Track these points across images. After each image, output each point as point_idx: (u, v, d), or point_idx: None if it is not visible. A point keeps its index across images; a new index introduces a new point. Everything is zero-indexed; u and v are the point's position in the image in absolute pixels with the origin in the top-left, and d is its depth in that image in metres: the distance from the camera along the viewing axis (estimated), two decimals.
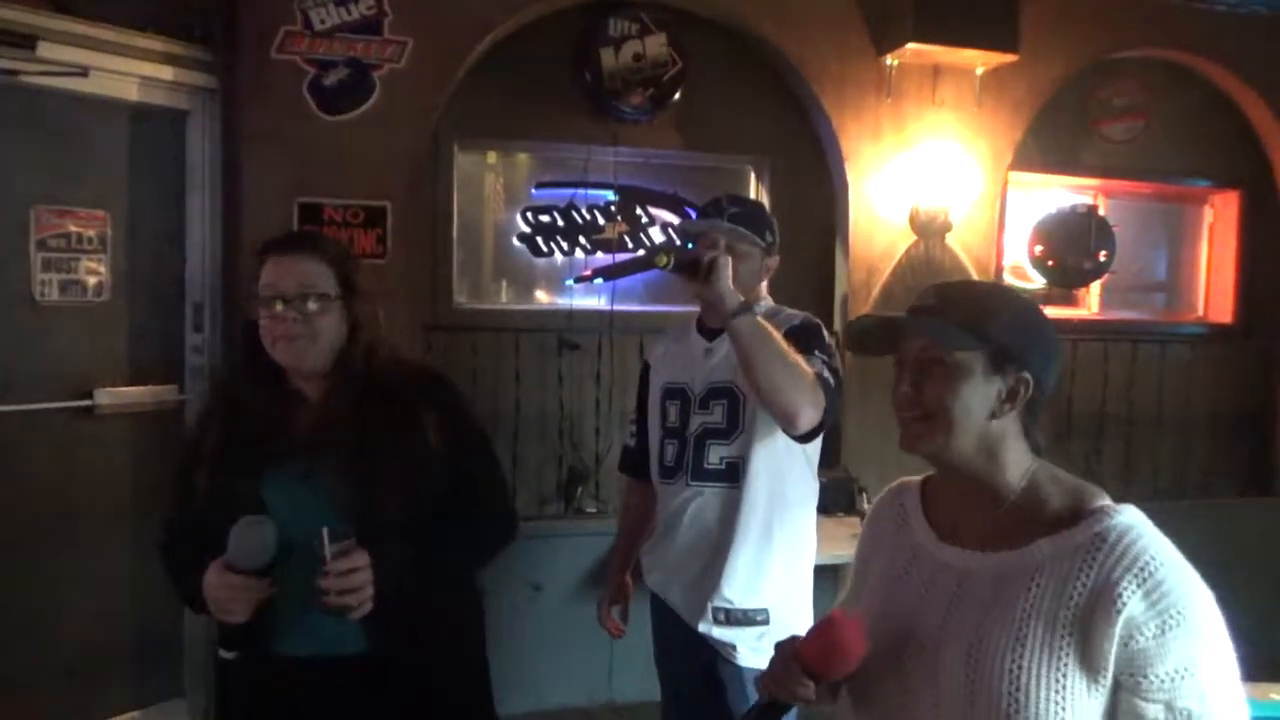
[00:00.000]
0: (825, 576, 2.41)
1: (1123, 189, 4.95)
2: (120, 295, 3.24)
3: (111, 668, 3.25)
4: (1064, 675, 1.07)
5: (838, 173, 4.21)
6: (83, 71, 3.03)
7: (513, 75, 3.95)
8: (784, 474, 2.09)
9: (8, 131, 2.99)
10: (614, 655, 3.75)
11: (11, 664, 2.96)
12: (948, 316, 1.19)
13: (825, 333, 2.08)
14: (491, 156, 4.31)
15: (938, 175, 4.13)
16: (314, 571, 1.51)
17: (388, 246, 3.52)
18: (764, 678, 1.27)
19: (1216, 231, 5.13)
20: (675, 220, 4.21)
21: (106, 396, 3.18)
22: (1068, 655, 1.07)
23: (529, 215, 4.18)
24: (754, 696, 2.03)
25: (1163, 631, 1.05)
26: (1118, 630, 1.05)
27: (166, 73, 3.27)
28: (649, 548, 2.29)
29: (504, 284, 4.34)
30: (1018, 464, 1.19)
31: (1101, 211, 4.78)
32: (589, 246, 4.21)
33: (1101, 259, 4.65)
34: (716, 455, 2.10)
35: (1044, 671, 1.07)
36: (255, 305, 1.67)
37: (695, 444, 2.12)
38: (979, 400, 1.17)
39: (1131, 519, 1.11)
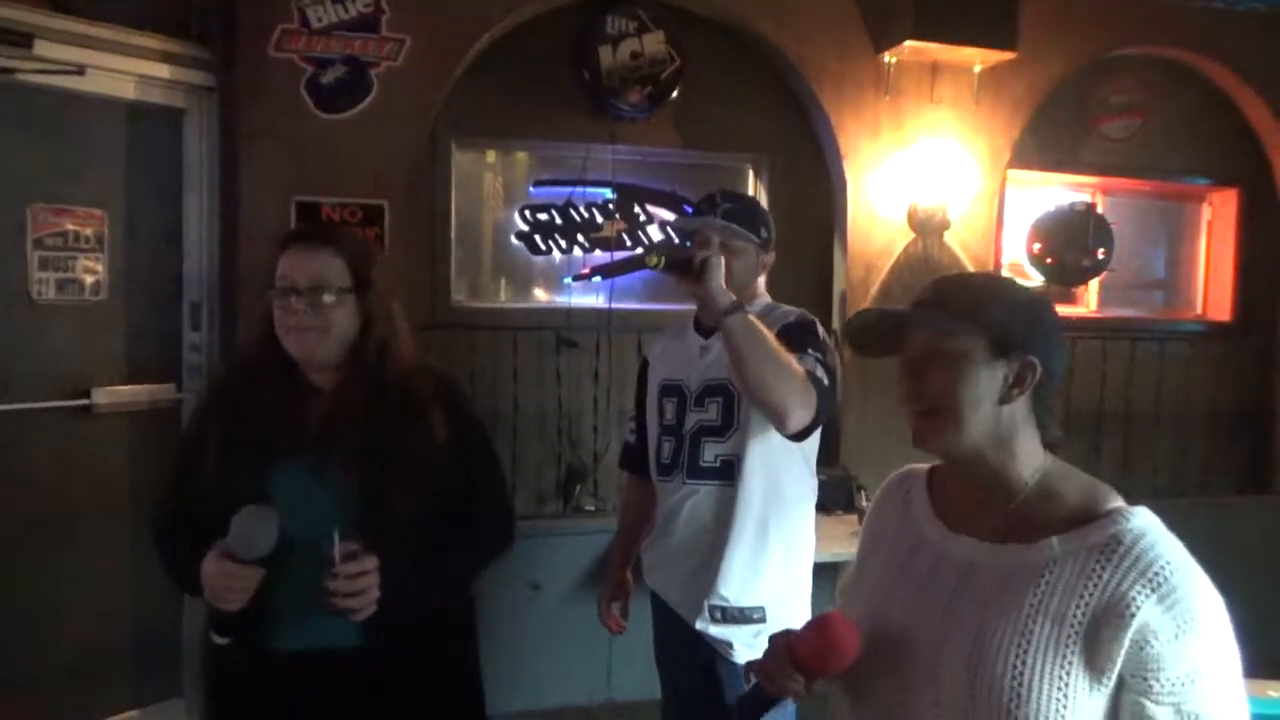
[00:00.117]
0: (824, 574, 2.41)
1: (1121, 187, 4.95)
2: (117, 294, 3.24)
3: (110, 667, 3.24)
4: (1068, 674, 1.07)
5: (836, 171, 4.21)
6: (80, 70, 3.02)
7: (511, 73, 3.95)
8: (780, 472, 2.08)
9: (4, 130, 2.98)
10: (613, 654, 3.75)
11: (10, 663, 2.96)
12: (946, 307, 1.19)
13: (820, 330, 2.07)
14: (489, 155, 4.30)
15: (936, 173, 4.13)
16: (318, 568, 1.51)
17: (385, 245, 3.52)
18: (755, 668, 1.27)
19: (1215, 229, 5.13)
20: (674, 218, 4.20)
21: (104, 395, 3.17)
22: (1073, 655, 1.07)
23: (527, 213, 4.18)
24: None
25: (1177, 637, 1.05)
26: (1129, 635, 1.05)
27: (163, 71, 3.26)
28: (648, 545, 2.29)
29: (502, 282, 4.34)
30: (1030, 457, 1.18)
31: (1100, 209, 4.78)
32: (587, 245, 4.21)
33: (1100, 257, 4.65)
34: (712, 453, 2.10)
35: (1048, 669, 1.07)
36: (272, 296, 1.68)
37: (691, 442, 2.12)
38: (985, 386, 1.16)
39: (1146, 523, 1.10)
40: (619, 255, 4.24)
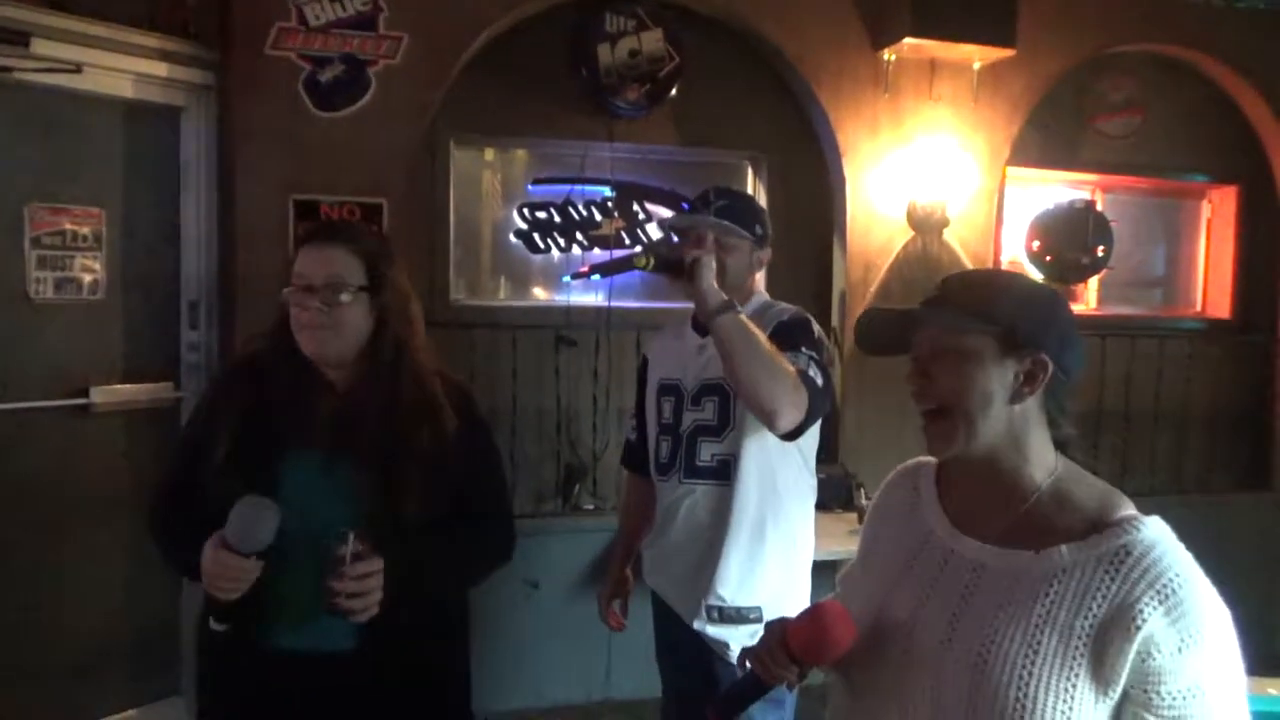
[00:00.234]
0: (824, 573, 2.40)
1: (1120, 184, 4.94)
2: (116, 293, 3.23)
3: (108, 665, 3.24)
4: (1073, 685, 1.06)
5: (835, 168, 4.20)
6: (77, 68, 3.02)
7: (509, 71, 3.94)
8: (776, 471, 2.08)
9: (2, 129, 2.98)
10: (612, 652, 3.75)
11: (9, 662, 2.96)
12: (955, 304, 1.17)
13: (815, 328, 2.06)
14: (488, 153, 4.30)
15: (935, 170, 4.13)
16: (321, 565, 1.50)
17: None
18: (750, 655, 1.27)
19: (1214, 227, 5.13)
20: (667, 216, 4.20)
21: (102, 395, 3.17)
22: (1079, 666, 1.06)
23: (526, 211, 4.17)
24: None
25: (1180, 650, 1.04)
26: (1135, 647, 1.04)
27: (161, 69, 3.25)
28: (648, 544, 2.29)
29: (501, 281, 4.33)
30: (1042, 458, 1.17)
31: (1099, 207, 4.78)
32: (586, 243, 4.20)
33: (1099, 254, 4.65)
34: (708, 452, 2.09)
35: (1054, 680, 1.06)
36: (286, 290, 1.68)
37: (688, 441, 2.12)
38: (995, 385, 1.14)
39: (1156, 534, 1.09)
40: (618, 253, 4.23)
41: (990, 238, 4.35)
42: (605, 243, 4.21)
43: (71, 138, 3.13)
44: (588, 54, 3.97)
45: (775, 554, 2.09)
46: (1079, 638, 1.06)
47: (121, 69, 3.16)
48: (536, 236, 4.17)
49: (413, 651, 1.66)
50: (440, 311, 3.99)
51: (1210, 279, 5.14)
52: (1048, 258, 4.62)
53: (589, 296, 4.23)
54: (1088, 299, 4.96)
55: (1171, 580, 1.05)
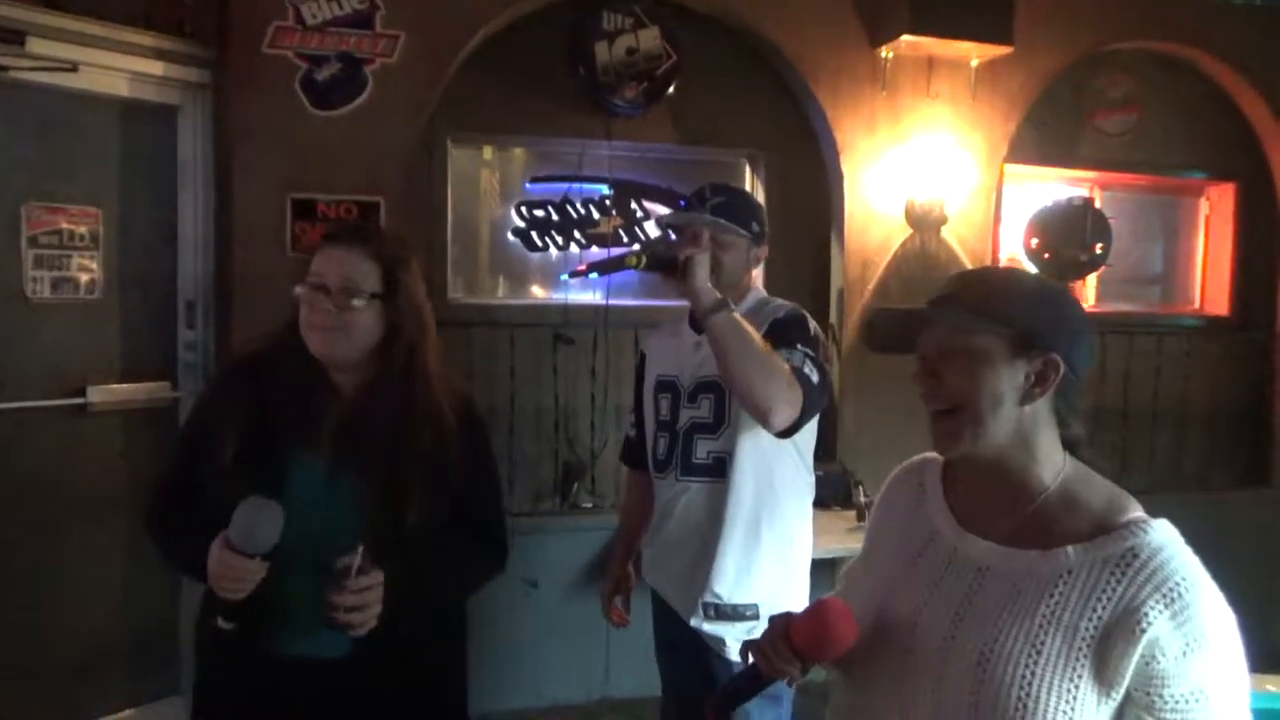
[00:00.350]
0: (822, 570, 2.40)
1: (1118, 181, 4.94)
2: (113, 292, 3.23)
3: (107, 665, 3.24)
4: (1076, 686, 1.05)
5: (833, 166, 4.20)
6: (73, 67, 3.01)
7: (506, 69, 3.94)
8: (772, 469, 2.08)
9: None
10: (611, 651, 3.74)
11: (8, 662, 2.95)
12: (964, 303, 1.16)
13: (811, 325, 2.06)
14: (486, 151, 4.29)
15: (933, 168, 4.13)
16: (321, 573, 1.50)
17: None
18: (752, 647, 1.27)
19: (1212, 224, 5.13)
20: (663, 213, 4.19)
21: (99, 394, 3.16)
22: (1083, 668, 1.06)
23: (523, 210, 4.16)
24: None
25: (1184, 654, 1.04)
26: (1139, 650, 1.04)
27: (157, 68, 3.25)
28: (647, 541, 2.29)
29: (499, 279, 4.33)
30: (1051, 458, 1.16)
31: (1097, 204, 4.78)
32: (584, 241, 4.20)
33: (1097, 252, 4.64)
34: (704, 450, 2.09)
35: (1057, 681, 1.05)
36: (299, 288, 1.66)
37: (684, 438, 2.12)
38: (1005, 385, 1.13)
39: (1164, 537, 1.08)
40: (616, 251, 4.23)
41: (988, 235, 4.35)
42: (603, 241, 4.21)
43: (68, 137, 3.13)
44: (585, 52, 3.97)
45: (771, 551, 2.09)
46: (1083, 639, 1.06)
47: (118, 68, 3.15)
48: (534, 235, 4.17)
49: (410, 657, 1.65)
50: (438, 310, 3.89)
51: (1208, 276, 5.14)
52: (1046, 255, 4.62)
53: (587, 295, 4.23)
54: (1086, 296, 4.96)
55: (1178, 584, 1.04)
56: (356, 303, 1.62)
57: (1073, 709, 1.05)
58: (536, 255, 4.22)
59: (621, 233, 4.22)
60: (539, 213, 4.17)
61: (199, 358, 3.41)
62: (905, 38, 3.92)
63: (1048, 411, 1.16)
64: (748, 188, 4.39)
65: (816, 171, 4.29)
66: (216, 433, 1.64)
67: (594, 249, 4.21)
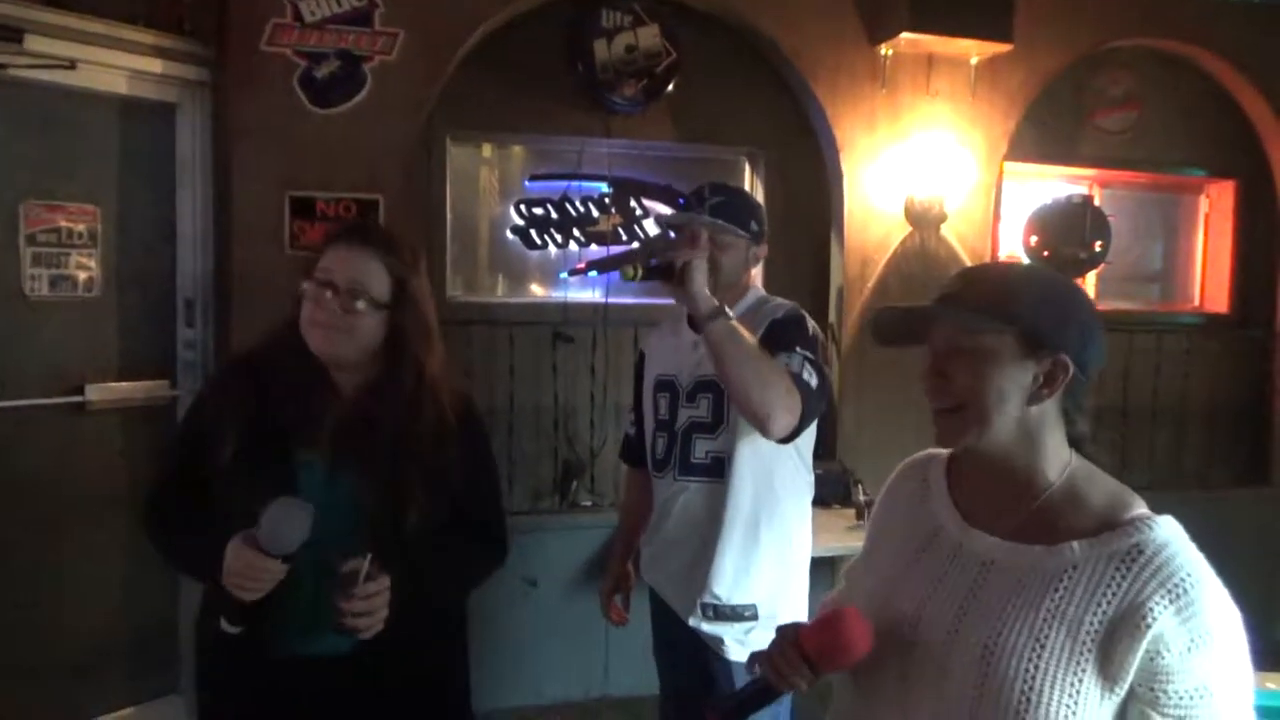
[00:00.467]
0: (821, 569, 2.40)
1: (1118, 179, 4.94)
2: (111, 290, 3.22)
3: (106, 664, 3.23)
4: (1080, 681, 1.05)
5: (832, 164, 4.20)
6: (71, 65, 3.00)
7: (505, 67, 3.93)
8: (771, 469, 2.07)
9: None
10: (610, 649, 3.74)
11: (7, 661, 2.95)
12: (971, 300, 1.15)
13: (810, 325, 2.05)
14: (485, 149, 4.28)
15: (932, 166, 4.12)
16: (323, 574, 1.49)
17: None
18: (760, 658, 1.24)
19: (1212, 222, 5.12)
20: (661, 213, 4.19)
21: (98, 392, 3.16)
22: (1086, 663, 1.05)
23: (522, 208, 4.16)
24: None
25: (1189, 650, 1.03)
26: (1144, 645, 1.04)
27: (156, 66, 3.24)
28: (645, 541, 2.29)
29: (499, 277, 4.32)
30: (1056, 455, 1.16)
31: (1097, 202, 4.77)
32: (583, 239, 4.19)
33: (1097, 249, 4.64)
34: (702, 449, 2.09)
35: (1060, 676, 1.05)
36: (306, 281, 1.64)
37: (683, 438, 2.12)
38: (1012, 385, 1.12)
39: (1169, 533, 1.08)
40: (615, 249, 4.22)
41: (988, 233, 4.35)
42: (603, 239, 4.20)
43: (66, 135, 3.12)
44: (584, 50, 3.96)
45: (770, 551, 2.09)
46: (1087, 634, 1.06)
47: (116, 65, 3.15)
48: (533, 233, 4.16)
49: (412, 656, 1.65)
50: (437, 309, 3.96)
51: (1208, 274, 5.13)
52: (1045, 253, 4.62)
53: (586, 293, 4.22)
54: None
55: (1183, 580, 1.04)
56: (362, 306, 1.61)
57: (1076, 703, 1.05)
58: (536, 253, 4.21)
59: (621, 231, 4.22)
60: (538, 211, 4.17)
61: (198, 356, 3.41)
62: (905, 35, 3.91)
63: (1055, 410, 1.15)
64: (747, 185, 4.39)
65: (816, 169, 4.29)
66: (216, 431, 1.63)
67: (593, 247, 4.21)
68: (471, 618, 1.89)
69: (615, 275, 4.18)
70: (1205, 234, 5.14)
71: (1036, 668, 1.06)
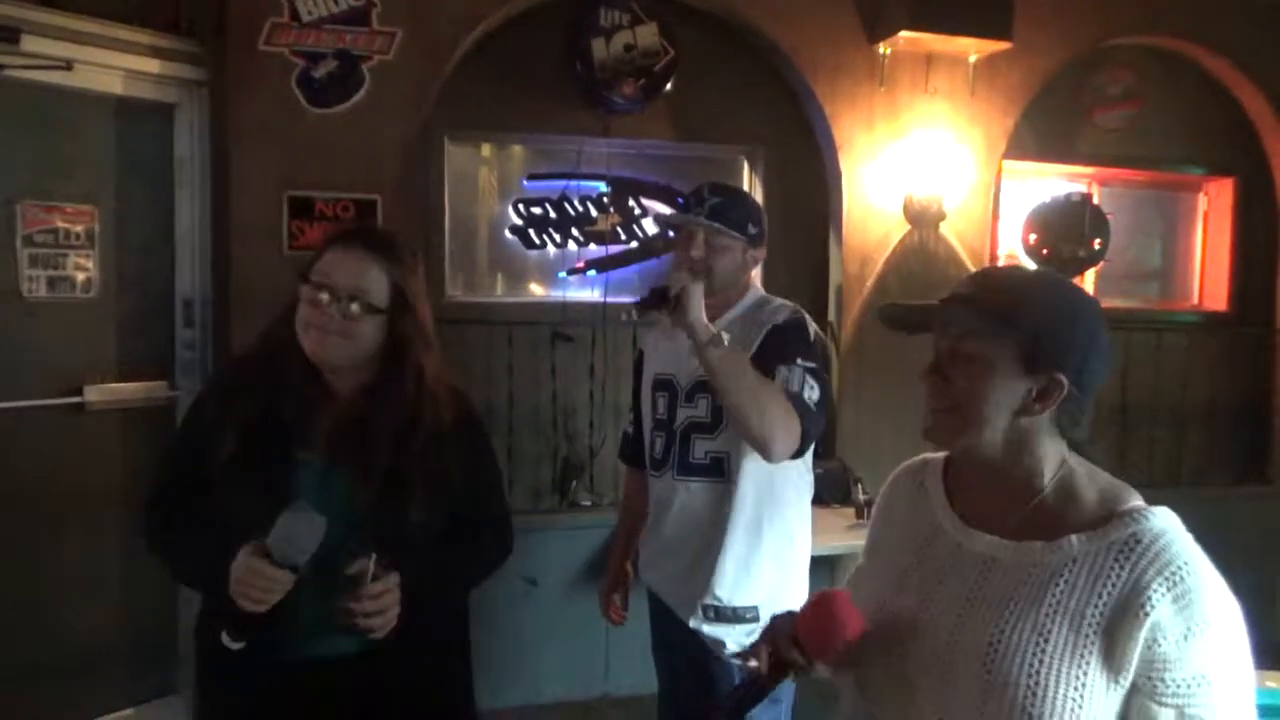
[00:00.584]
0: (821, 568, 2.40)
1: (1117, 177, 4.94)
2: (109, 291, 3.22)
3: (105, 664, 3.23)
4: (1084, 673, 1.06)
5: (831, 162, 4.19)
6: (68, 65, 3.00)
7: (503, 66, 3.93)
8: (772, 469, 2.06)
9: None
10: (610, 648, 3.74)
11: (6, 661, 2.95)
12: (979, 305, 1.15)
13: (810, 330, 2.04)
14: (483, 148, 4.28)
15: (931, 164, 4.12)
16: (326, 576, 1.48)
17: None
18: (751, 650, 1.25)
19: (1211, 219, 5.12)
20: (668, 211, 4.19)
21: (96, 393, 3.16)
22: (1090, 654, 1.06)
23: (521, 207, 4.16)
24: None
25: (1186, 637, 1.04)
26: (1143, 633, 1.04)
27: (153, 66, 3.24)
28: (643, 541, 2.28)
29: (497, 277, 4.32)
30: (1051, 459, 1.16)
31: (1096, 199, 4.77)
32: (581, 238, 4.19)
33: (1096, 247, 4.64)
34: (702, 450, 2.08)
35: (1065, 668, 1.06)
36: (302, 283, 1.61)
37: (681, 438, 2.11)
38: (1006, 397, 1.13)
39: (1166, 523, 1.09)
40: (614, 249, 4.22)
41: (987, 231, 4.34)
42: (601, 238, 4.20)
43: (63, 135, 3.12)
44: (582, 49, 3.96)
45: (772, 552, 2.08)
46: (1090, 625, 1.06)
47: (113, 65, 3.14)
48: (532, 232, 4.16)
49: (415, 655, 1.64)
50: (436, 307, 3.92)
51: (1207, 272, 5.14)
52: (1044, 251, 4.62)
53: (585, 292, 4.22)
54: None
55: (1181, 568, 1.05)
56: (354, 309, 1.59)
57: (1081, 696, 1.05)
58: (534, 253, 4.21)
59: (620, 230, 4.22)
60: (537, 210, 4.17)
61: (196, 356, 3.41)
62: (904, 33, 3.91)
63: (1049, 420, 1.15)
64: (745, 184, 4.39)
65: (815, 168, 4.29)
66: (214, 433, 1.62)
67: (592, 246, 4.21)
68: (472, 617, 1.88)
69: (614, 274, 4.21)
70: (1204, 232, 5.14)
71: (1041, 662, 1.06)
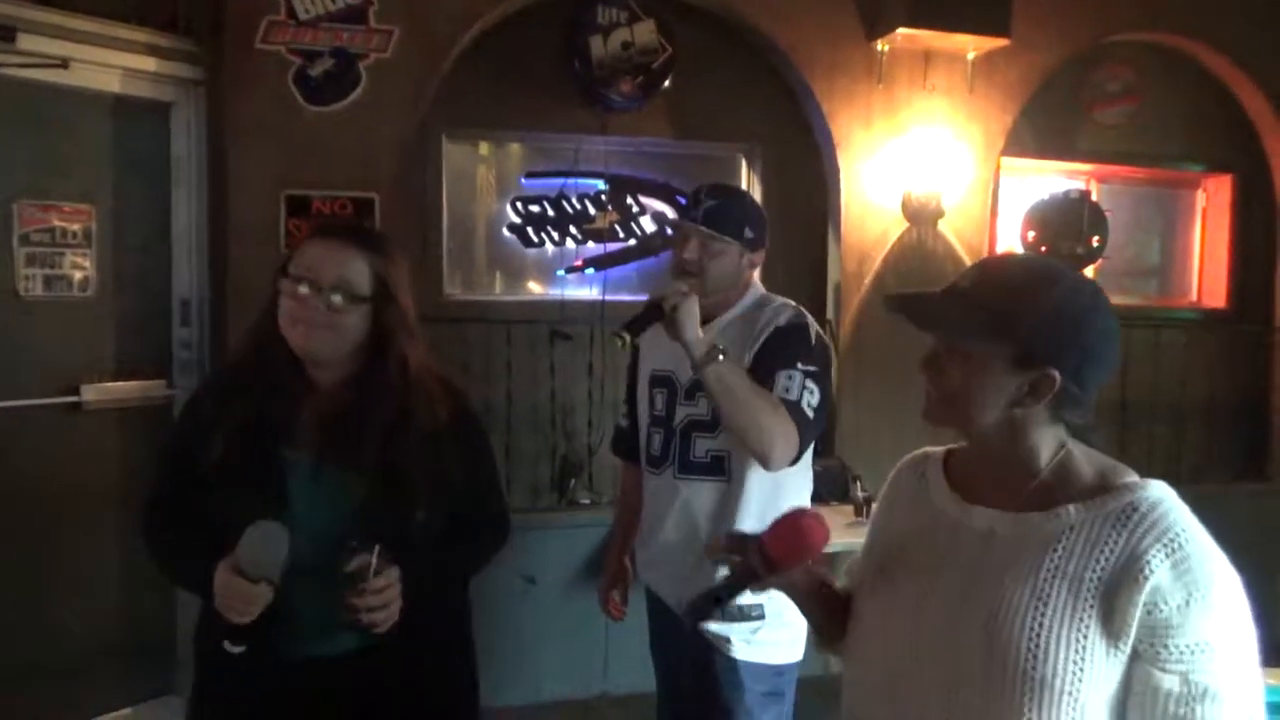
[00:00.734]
0: (819, 566, 2.39)
1: (1116, 174, 4.94)
2: (106, 290, 3.21)
3: (103, 664, 3.23)
4: (1084, 637, 1.07)
5: (829, 159, 4.19)
6: (64, 64, 2.99)
7: (501, 64, 3.92)
8: None
9: None
10: (609, 647, 3.73)
11: (3, 661, 2.95)
12: (978, 299, 1.16)
13: (811, 332, 2.03)
14: (481, 147, 4.28)
15: (930, 161, 4.11)
16: (321, 572, 1.48)
17: None
18: (722, 561, 1.31)
19: (1210, 216, 5.12)
20: (666, 209, 4.19)
21: (94, 392, 3.15)
22: (1089, 618, 1.07)
23: (519, 205, 4.15)
24: (751, 689, 2.02)
25: (1186, 604, 1.05)
26: (1142, 598, 1.05)
27: (150, 64, 3.23)
28: (640, 542, 2.26)
29: (496, 275, 4.31)
30: (1048, 444, 1.18)
31: (1094, 196, 4.77)
32: (580, 236, 4.19)
33: (1094, 244, 4.64)
34: (702, 448, 2.07)
35: (1064, 632, 1.07)
36: (281, 277, 1.61)
37: (681, 435, 2.10)
38: (999, 392, 1.15)
39: (1162, 493, 1.11)
40: (612, 247, 4.22)
41: (985, 228, 4.34)
42: (600, 236, 4.20)
43: (60, 134, 3.11)
44: (580, 46, 3.95)
45: None
46: (1088, 589, 1.08)
47: (109, 64, 3.13)
48: (530, 230, 4.16)
49: (416, 652, 1.63)
50: (434, 306, 3.96)
51: (1206, 269, 5.14)
52: (1043, 248, 4.62)
53: (583, 290, 4.22)
54: None
55: (1178, 535, 1.06)
56: (337, 300, 1.58)
57: (1082, 658, 1.06)
58: (532, 251, 4.20)
59: (618, 228, 4.21)
60: (535, 208, 4.16)
61: (194, 355, 3.40)
62: (902, 30, 3.90)
63: (1045, 413, 1.16)
64: (744, 182, 4.38)
65: (813, 165, 4.28)
66: (208, 435, 1.61)
67: (590, 244, 4.20)
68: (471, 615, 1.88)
69: (612, 272, 4.20)
70: (1203, 229, 5.14)
71: (1041, 626, 1.08)
